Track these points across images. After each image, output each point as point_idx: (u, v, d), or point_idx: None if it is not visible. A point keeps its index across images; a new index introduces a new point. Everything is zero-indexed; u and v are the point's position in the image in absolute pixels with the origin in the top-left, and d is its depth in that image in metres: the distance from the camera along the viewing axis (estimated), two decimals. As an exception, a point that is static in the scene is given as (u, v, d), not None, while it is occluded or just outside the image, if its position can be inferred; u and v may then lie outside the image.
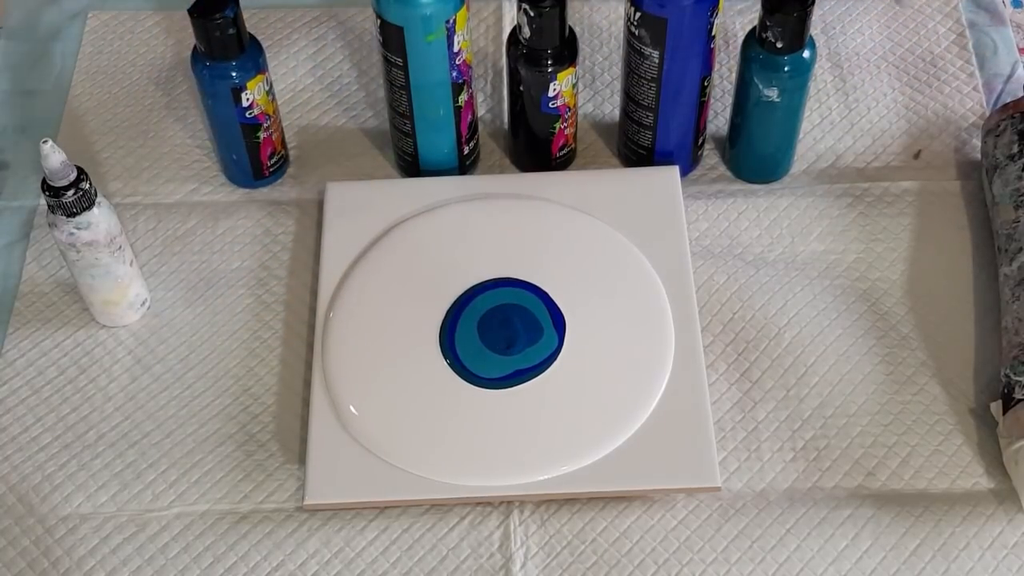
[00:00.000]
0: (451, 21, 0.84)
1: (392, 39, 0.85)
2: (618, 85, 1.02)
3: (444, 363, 0.83)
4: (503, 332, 0.84)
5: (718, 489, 0.78)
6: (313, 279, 0.91)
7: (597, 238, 0.89)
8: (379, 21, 0.85)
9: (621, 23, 1.06)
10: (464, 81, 0.89)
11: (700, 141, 0.95)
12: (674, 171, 0.92)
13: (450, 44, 0.86)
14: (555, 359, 0.83)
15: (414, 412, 0.81)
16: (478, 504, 0.80)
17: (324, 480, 0.79)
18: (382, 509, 0.80)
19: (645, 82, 0.89)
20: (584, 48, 1.04)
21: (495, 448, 0.80)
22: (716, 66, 1.02)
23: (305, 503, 0.79)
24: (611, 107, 1.01)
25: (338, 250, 0.89)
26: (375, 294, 0.87)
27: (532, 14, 0.84)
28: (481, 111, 1.01)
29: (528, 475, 0.79)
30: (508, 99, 0.94)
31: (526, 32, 0.86)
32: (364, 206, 0.91)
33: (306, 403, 0.84)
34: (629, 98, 0.91)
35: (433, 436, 0.80)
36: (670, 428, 0.80)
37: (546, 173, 0.94)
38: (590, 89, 1.02)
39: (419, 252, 0.88)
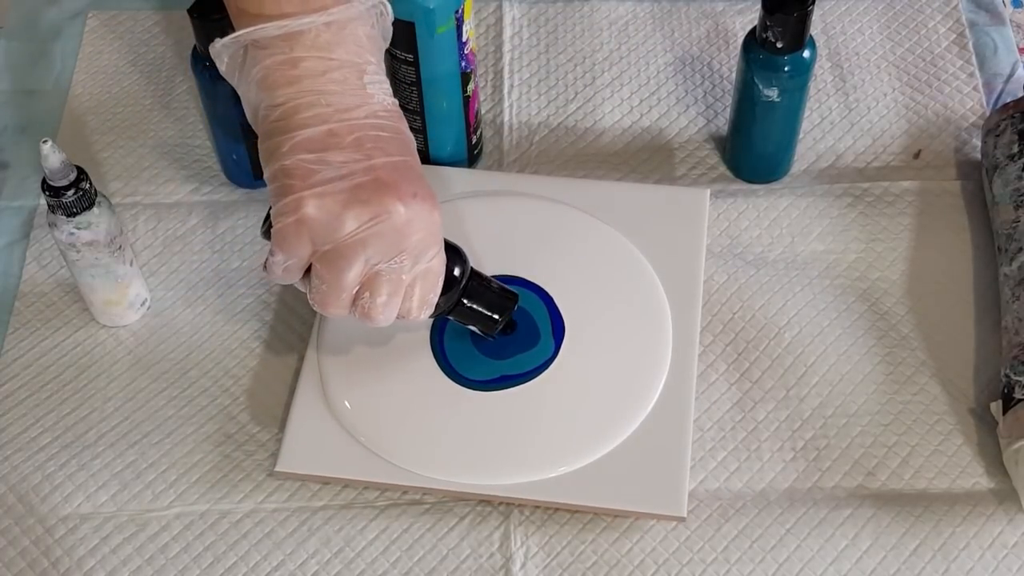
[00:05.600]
0: (459, 11, 0.84)
1: (401, 36, 0.85)
2: (619, 84, 1.02)
3: (432, 358, 0.83)
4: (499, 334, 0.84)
5: (683, 519, 0.77)
6: (313, 279, 0.91)
7: (612, 250, 0.88)
8: None
9: (621, 23, 1.06)
10: (471, 70, 0.89)
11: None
12: (704, 193, 0.91)
13: (459, 34, 0.85)
14: (546, 369, 0.83)
15: (395, 399, 0.82)
16: (479, 503, 0.80)
17: (298, 451, 0.80)
18: (383, 509, 0.80)
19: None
20: (584, 48, 1.04)
21: (473, 446, 0.80)
22: (716, 66, 1.03)
23: (276, 470, 0.80)
24: (611, 107, 1.01)
25: None
26: None
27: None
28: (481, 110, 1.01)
29: (496, 476, 0.79)
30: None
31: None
32: None
33: (306, 403, 0.84)
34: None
35: (411, 426, 0.81)
36: (646, 452, 0.79)
37: (573, 179, 0.94)
38: (590, 88, 1.02)
39: None
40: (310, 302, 0.74)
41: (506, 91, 1.02)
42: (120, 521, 0.80)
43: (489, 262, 0.87)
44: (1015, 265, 0.84)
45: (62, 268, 0.91)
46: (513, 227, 0.89)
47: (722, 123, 0.99)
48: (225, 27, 0.84)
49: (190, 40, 0.88)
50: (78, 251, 0.82)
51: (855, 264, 0.91)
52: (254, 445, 0.83)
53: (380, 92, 0.73)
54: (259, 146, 0.73)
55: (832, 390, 0.85)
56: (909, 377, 0.85)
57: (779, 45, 0.86)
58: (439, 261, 0.75)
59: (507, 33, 1.06)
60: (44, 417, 0.85)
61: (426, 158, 0.94)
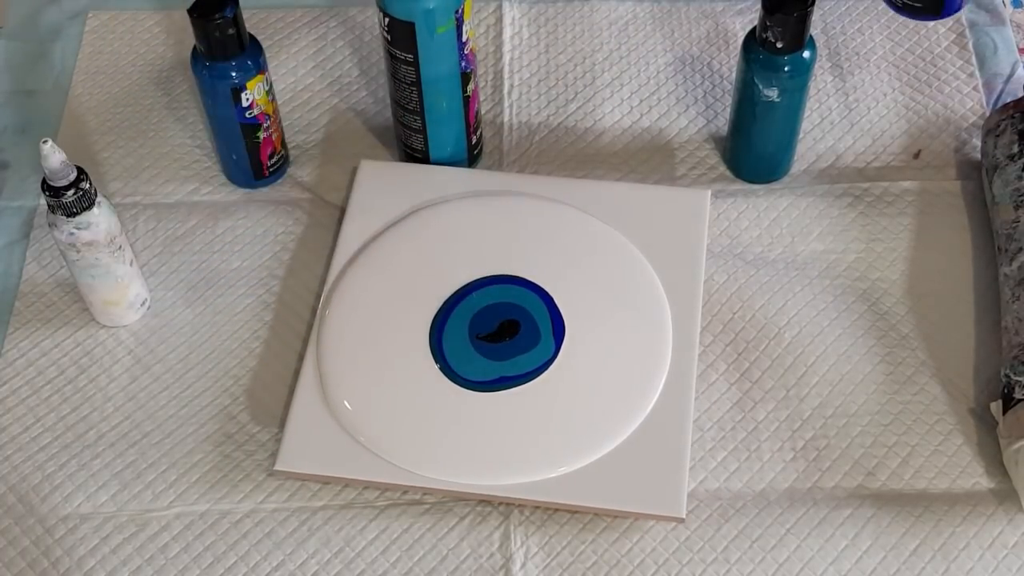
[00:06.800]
0: (459, 11, 0.84)
1: (401, 36, 0.85)
2: (619, 84, 1.02)
3: (431, 358, 0.83)
4: (499, 334, 0.84)
5: (682, 520, 0.78)
6: (313, 278, 0.91)
7: (612, 250, 0.88)
8: (386, 19, 0.84)
9: (621, 23, 1.06)
10: (471, 70, 0.89)
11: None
12: (704, 194, 0.91)
13: (459, 34, 0.86)
14: (546, 369, 0.83)
15: (394, 399, 0.82)
16: (479, 503, 0.80)
17: (298, 450, 0.80)
18: (383, 509, 0.80)
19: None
20: (584, 48, 1.04)
21: (473, 446, 0.80)
22: (716, 66, 1.03)
23: (275, 469, 0.80)
24: (611, 107, 1.01)
25: (358, 230, 0.90)
26: (379, 283, 0.87)
27: None
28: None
29: (496, 476, 0.79)
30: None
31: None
32: (393, 187, 0.92)
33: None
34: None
35: (411, 426, 0.81)
36: (645, 452, 0.79)
37: (573, 179, 0.94)
38: (590, 88, 1.02)
39: (429, 243, 0.88)
40: None
41: (506, 91, 1.02)
42: (120, 521, 0.80)
43: (489, 262, 0.87)
44: (1015, 265, 0.84)
45: (62, 268, 0.91)
46: (513, 227, 0.89)
47: (722, 123, 0.99)
48: (225, 27, 0.85)
49: (190, 40, 0.88)
50: (78, 251, 0.82)
51: (855, 264, 0.91)
52: (254, 445, 0.83)
53: None
54: None
55: (832, 390, 0.85)
56: (909, 377, 0.85)
57: (779, 45, 0.86)
58: None
59: (507, 33, 1.06)
60: (44, 417, 0.85)
61: (426, 158, 0.94)
